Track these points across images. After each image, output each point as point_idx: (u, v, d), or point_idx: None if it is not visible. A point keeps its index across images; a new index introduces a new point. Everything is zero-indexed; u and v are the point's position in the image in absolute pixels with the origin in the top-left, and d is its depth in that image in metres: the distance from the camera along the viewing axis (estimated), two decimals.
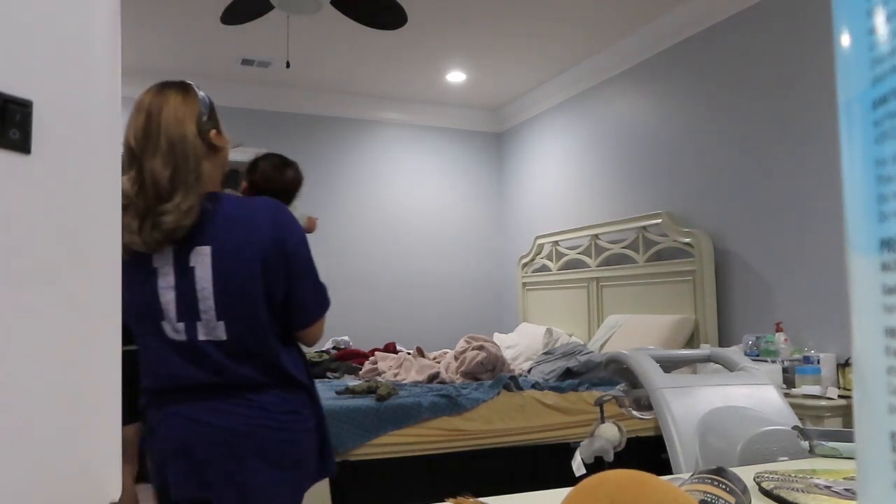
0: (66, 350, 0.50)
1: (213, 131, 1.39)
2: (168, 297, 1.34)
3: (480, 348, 3.68)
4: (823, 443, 0.98)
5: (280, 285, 1.36)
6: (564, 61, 4.65)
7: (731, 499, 0.59)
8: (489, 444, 3.01)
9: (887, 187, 0.16)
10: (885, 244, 0.17)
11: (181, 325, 1.34)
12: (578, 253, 4.62)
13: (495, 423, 3.02)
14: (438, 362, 3.91)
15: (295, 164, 2.03)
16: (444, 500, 0.63)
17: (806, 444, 0.99)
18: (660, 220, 3.82)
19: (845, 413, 2.66)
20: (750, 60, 3.45)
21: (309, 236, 1.49)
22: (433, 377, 3.58)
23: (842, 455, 0.96)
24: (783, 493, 0.72)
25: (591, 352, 3.72)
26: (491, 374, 3.57)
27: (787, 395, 2.75)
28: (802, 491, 0.72)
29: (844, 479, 0.78)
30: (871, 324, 0.17)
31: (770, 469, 0.87)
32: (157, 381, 1.39)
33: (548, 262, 5.00)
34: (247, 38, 4.18)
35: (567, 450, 3.05)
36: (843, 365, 2.82)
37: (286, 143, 5.14)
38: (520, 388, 3.21)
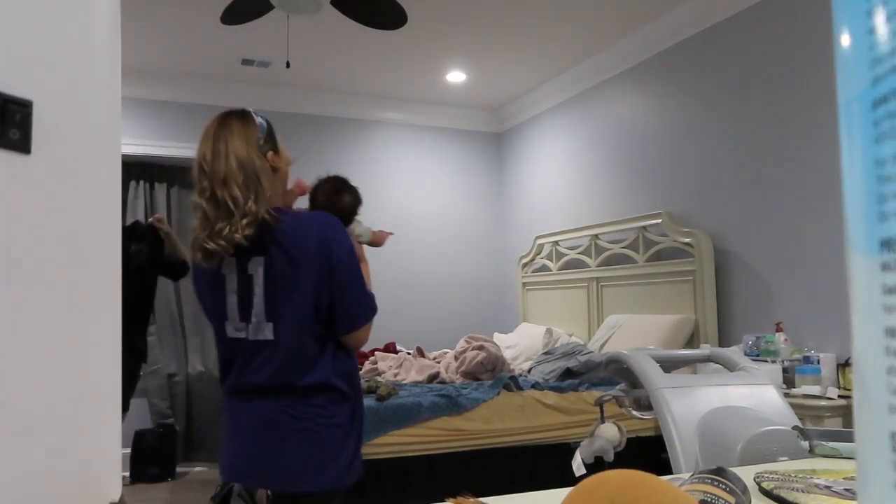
0: (66, 349, 0.50)
1: (271, 152, 1.58)
2: (231, 300, 1.54)
3: (480, 348, 3.68)
4: (823, 443, 0.98)
5: (326, 293, 1.51)
6: (564, 61, 4.65)
7: (731, 499, 0.59)
8: (489, 444, 3.01)
9: (887, 187, 0.16)
10: (885, 244, 0.17)
11: (241, 325, 1.54)
12: (578, 253, 4.62)
13: (495, 423, 3.02)
14: (438, 362, 3.91)
15: (353, 188, 2.13)
16: (444, 500, 0.63)
17: (806, 444, 0.99)
18: (660, 220, 3.82)
19: (845, 413, 2.66)
20: (750, 60, 3.45)
21: None
22: (433, 377, 3.58)
23: (842, 455, 0.96)
24: (783, 493, 0.72)
25: (591, 352, 3.72)
26: (491, 374, 3.57)
27: (787, 395, 2.75)
28: (802, 491, 0.72)
29: (844, 479, 0.78)
30: (871, 324, 0.17)
31: (770, 469, 0.87)
32: (223, 376, 1.61)
33: (548, 262, 5.00)
34: (247, 38, 4.18)
35: (567, 450, 3.05)
36: (843, 365, 2.82)
37: (286, 143, 5.13)
38: (520, 388, 3.21)
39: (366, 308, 1.60)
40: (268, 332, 1.50)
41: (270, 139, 1.60)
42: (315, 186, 2.04)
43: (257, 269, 1.51)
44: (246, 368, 1.54)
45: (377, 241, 2.19)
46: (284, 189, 1.64)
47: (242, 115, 1.58)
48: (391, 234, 2.26)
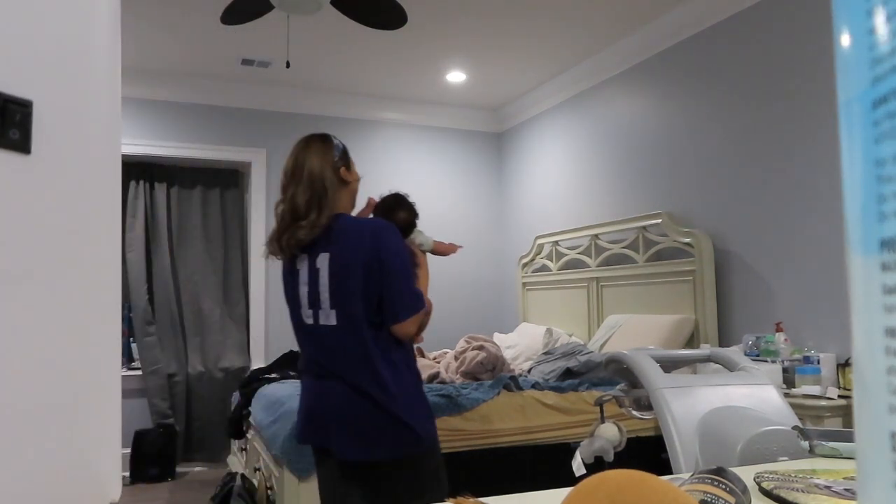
0: (66, 349, 0.50)
1: (343, 168, 1.86)
2: (303, 291, 1.82)
3: (480, 348, 3.68)
4: (823, 443, 0.98)
5: (376, 286, 1.75)
6: (564, 61, 4.65)
7: (731, 499, 0.59)
8: (489, 444, 3.01)
9: (887, 187, 0.16)
10: (885, 244, 0.17)
11: (310, 312, 1.81)
12: (578, 253, 4.62)
13: (495, 423, 3.02)
14: (438, 362, 3.91)
15: (409, 204, 2.33)
16: (444, 500, 0.63)
17: (806, 444, 0.99)
18: (660, 220, 3.82)
19: (845, 413, 2.66)
20: (750, 60, 3.46)
21: None
22: (433, 377, 3.58)
23: (842, 455, 0.96)
24: (783, 493, 0.72)
25: (591, 352, 3.72)
26: (491, 374, 3.57)
27: (787, 395, 2.75)
28: (802, 491, 0.72)
29: (844, 479, 0.78)
30: (871, 324, 0.17)
31: (770, 469, 0.87)
32: (301, 357, 1.91)
33: (548, 262, 5.00)
34: (247, 38, 4.18)
35: (567, 450, 3.05)
36: (843, 365, 2.82)
37: (286, 143, 5.14)
38: (520, 388, 3.21)
39: (409, 304, 1.78)
40: (332, 319, 1.77)
41: (344, 158, 1.89)
42: (377, 203, 2.30)
43: (324, 263, 1.78)
44: (317, 351, 1.81)
45: (440, 250, 2.34)
46: (353, 199, 1.92)
47: (323, 137, 1.89)
48: (460, 246, 2.41)
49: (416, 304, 1.79)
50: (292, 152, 1.87)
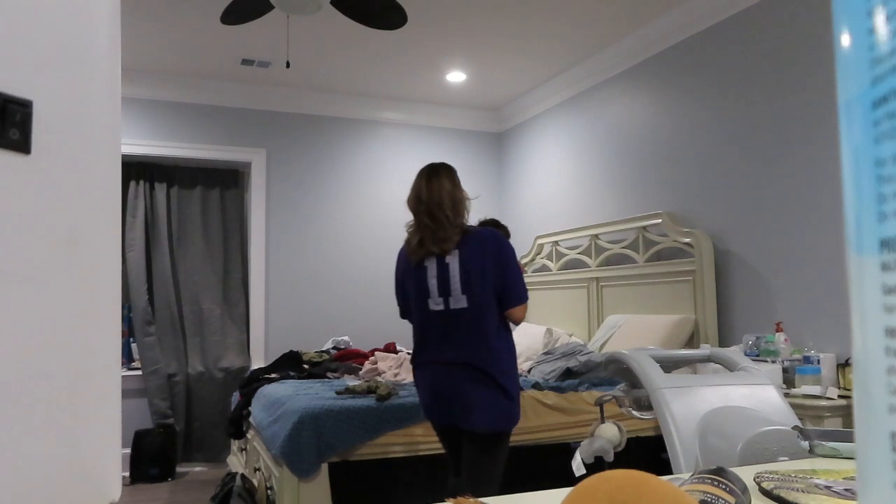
0: (66, 350, 0.50)
1: (465, 190, 2.40)
2: (433, 283, 2.29)
3: None
4: (823, 443, 0.97)
5: (496, 278, 2.25)
6: (564, 61, 4.65)
7: (731, 499, 0.59)
8: None
9: (887, 187, 0.16)
10: (885, 244, 0.17)
11: (440, 300, 2.29)
12: (578, 253, 4.62)
13: None
14: None
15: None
16: (444, 500, 0.63)
17: (806, 444, 0.99)
18: (660, 220, 3.82)
19: (845, 413, 2.66)
20: (750, 60, 3.45)
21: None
22: None
23: (842, 455, 0.96)
24: (783, 493, 0.72)
25: (591, 352, 3.72)
26: None
27: (787, 395, 2.75)
28: (802, 491, 0.72)
29: (844, 479, 0.78)
30: (871, 324, 0.17)
31: (770, 469, 0.87)
32: (421, 342, 2.36)
33: (548, 262, 5.00)
34: (247, 38, 4.18)
35: (567, 450, 3.05)
36: (843, 365, 2.82)
37: (286, 143, 5.14)
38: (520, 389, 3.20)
39: (520, 294, 2.29)
40: (462, 302, 2.25)
41: (459, 182, 2.39)
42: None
43: (453, 260, 2.26)
44: (442, 331, 2.28)
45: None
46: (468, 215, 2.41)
47: (447, 166, 2.39)
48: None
49: (526, 293, 2.32)
50: (421, 176, 2.37)
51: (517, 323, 2.35)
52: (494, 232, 2.32)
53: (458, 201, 2.33)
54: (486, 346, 2.23)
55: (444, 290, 2.28)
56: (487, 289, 2.24)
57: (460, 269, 2.25)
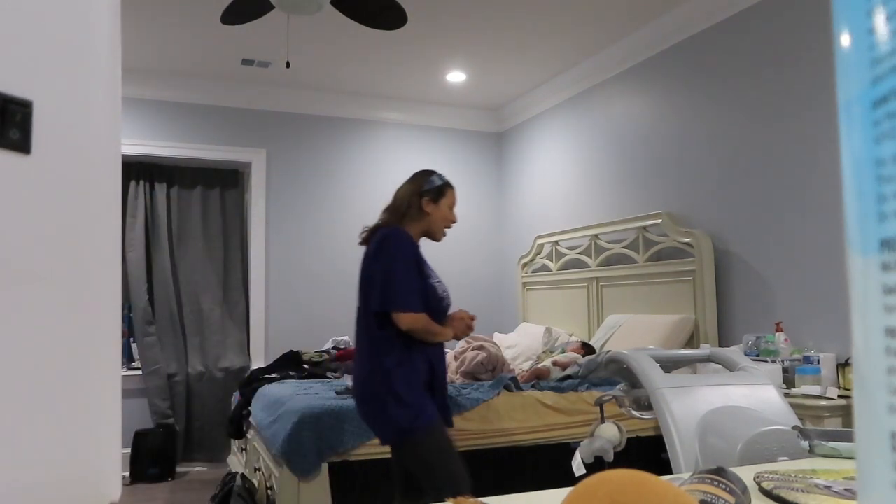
0: (66, 350, 0.50)
1: (427, 199, 2.26)
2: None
3: (480, 348, 3.68)
4: (823, 443, 0.98)
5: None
6: (564, 61, 4.65)
7: (731, 499, 0.59)
8: (489, 444, 3.01)
9: (887, 187, 0.16)
10: (885, 244, 0.17)
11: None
12: (578, 253, 4.62)
13: (495, 423, 3.02)
14: None
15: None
16: (444, 500, 0.63)
17: (806, 444, 0.99)
18: (660, 220, 3.82)
19: (845, 413, 2.66)
20: (750, 60, 3.45)
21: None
22: None
23: (842, 455, 0.96)
24: (783, 493, 0.72)
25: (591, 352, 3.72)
26: (491, 374, 3.57)
27: (787, 395, 2.74)
28: (802, 491, 0.72)
29: (844, 479, 0.78)
30: (871, 324, 0.17)
31: (770, 469, 0.87)
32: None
33: (548, 262, 5.00)
34: (247, 38, 4.18)
35: (567, 450, 3.05)
36: (843, 365, 2.82)
37: (286, 143, 5.14)
38: (520, 388, 3.21)
39: (390, 299, 2.15)
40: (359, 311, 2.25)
41: (434, 193, 2.23)
42: None
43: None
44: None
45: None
46: (432, 229, 2.27)
47: (426, 172, 2.28)
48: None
49: (397, 301, 2.13)
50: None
51: (408, 332, 2.11)
52: (387, 232, 2.17)
53: (400, 201, 2.24)
54: (372, 360, 2.11)
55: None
56: (374, 294, 2.12)
57: (360, 274, 2.23)
